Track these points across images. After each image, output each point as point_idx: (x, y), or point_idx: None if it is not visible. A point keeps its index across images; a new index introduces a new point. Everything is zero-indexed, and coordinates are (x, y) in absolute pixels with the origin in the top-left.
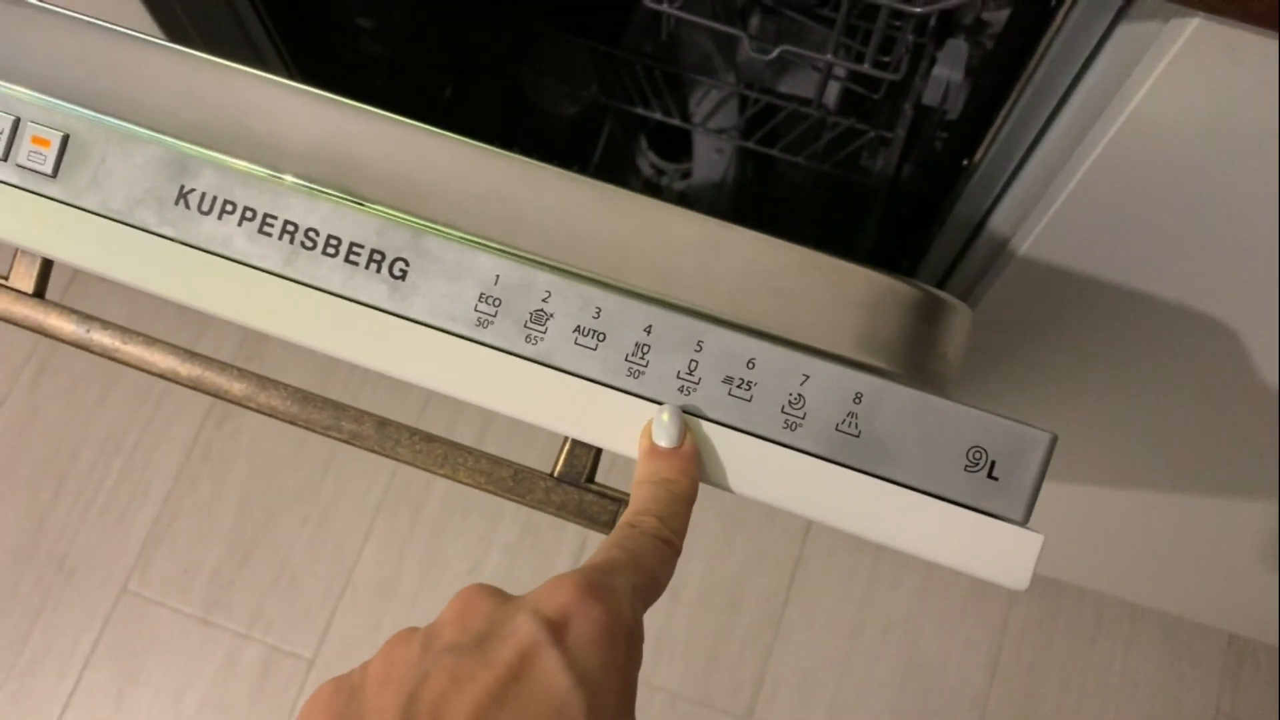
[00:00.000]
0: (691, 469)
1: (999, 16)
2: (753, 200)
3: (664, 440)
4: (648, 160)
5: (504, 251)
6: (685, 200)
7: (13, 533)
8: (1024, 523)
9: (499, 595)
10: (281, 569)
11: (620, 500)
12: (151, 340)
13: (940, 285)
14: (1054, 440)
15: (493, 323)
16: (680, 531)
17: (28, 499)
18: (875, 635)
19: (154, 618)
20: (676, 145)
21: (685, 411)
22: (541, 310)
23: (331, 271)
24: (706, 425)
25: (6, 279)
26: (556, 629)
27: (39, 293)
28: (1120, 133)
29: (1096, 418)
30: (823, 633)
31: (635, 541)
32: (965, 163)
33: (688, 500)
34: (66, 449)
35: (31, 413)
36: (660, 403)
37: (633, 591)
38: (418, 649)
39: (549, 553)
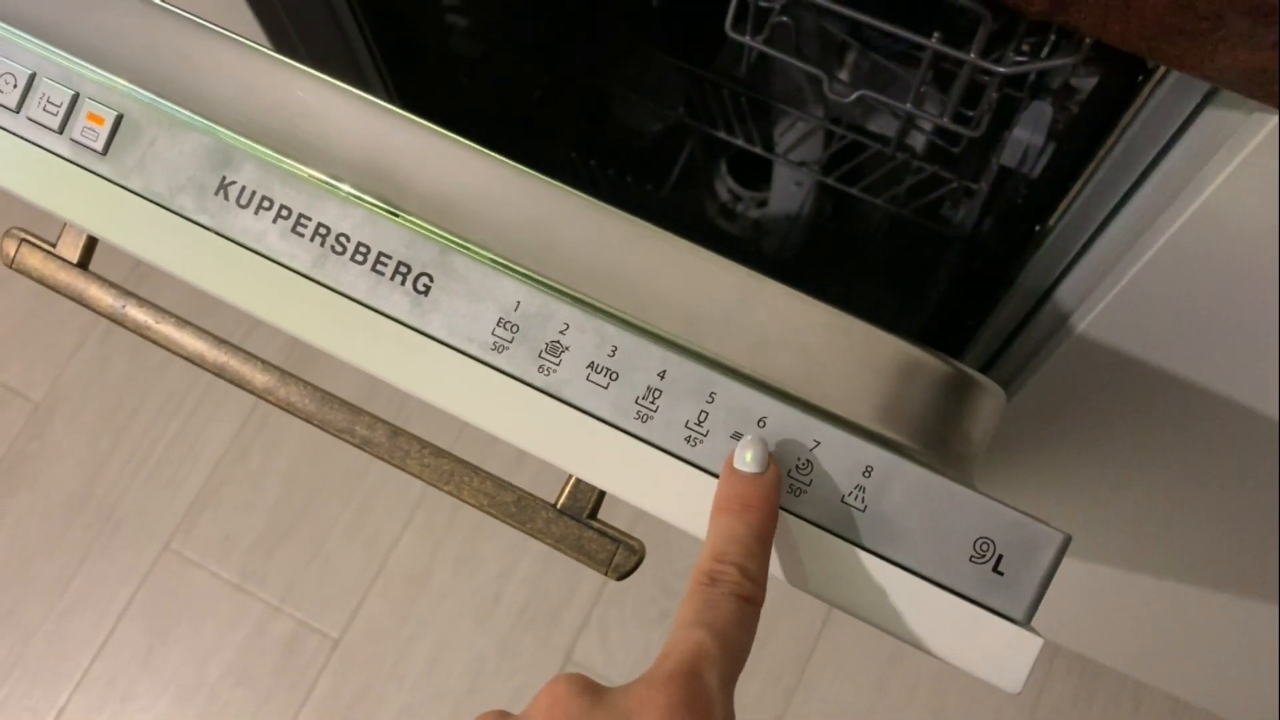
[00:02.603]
0: (774, 496)
1: (1089, 83)
2: (826, 237)
3: (746, 463)
4: (725, 185)
5: (528, 278)
6: (758, 229)
7: (68, 479)
8: (1025, 623)
9: (590, 694)
10: (319, 548)
11: (620, 541)
12: (183, 323)
13: (999, 354)
14: (1067, 540)
15: (508, 348)
16: (763, 581)
17: (86, 448)
18: (900, 694)
19: (191, 579)
20: (756, 173)
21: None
22: (558, 342)
23: (357, 278)
24: (703, 476)
25: (54, 246)
26: None
27: (83, 263)
28: (1190, 221)
29: (1144, 506)
30: (847, 684)
31: (721, 614)
32: (1038, 228)
33: (768, 537)
34: (128, 405)
35: (100, 365)
36: (664, 450)
37: (724, 691)
38: None
39: (579, 566)
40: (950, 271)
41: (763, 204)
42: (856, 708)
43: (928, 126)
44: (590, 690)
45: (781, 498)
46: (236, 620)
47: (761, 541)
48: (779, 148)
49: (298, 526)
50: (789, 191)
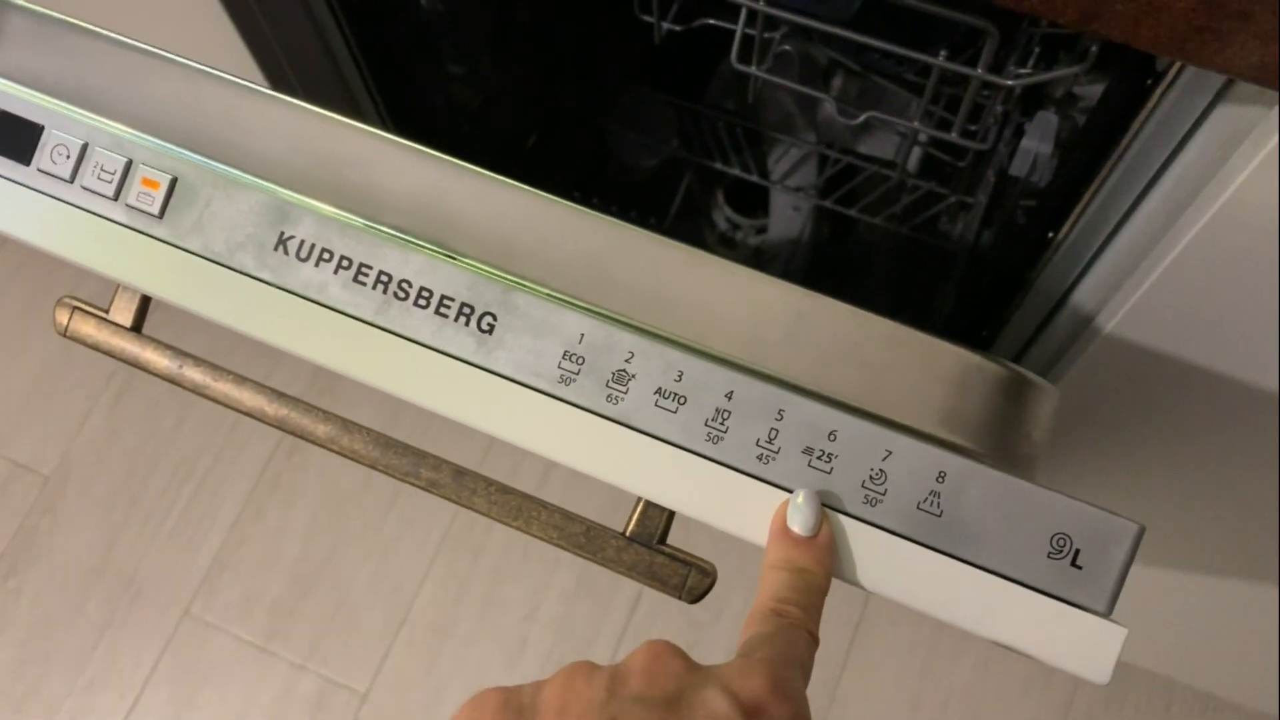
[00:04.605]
0: (828, 560)
1: (1092, 91)
2: (828, 259)
3: (799, 526)
4: (724, 215)
5: (590, 310)
6: (759, 256)
7: (85, 550)
8: (1107, 614)
9: (687, 659)
10: (341, 603)
11: (692, 565)
12: (241, 379)
13: (1020, 356)
14: (1142, 531)
15: (575, 381)
16: (818, 625)
17: (101, 518)
18: (933, 709)
19: (214, 643)
20: (753, 201)
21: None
22: (624, 370)
23: (422, 323)
24: (779, 494)
25: (107, 312)
26: (750, 716)
27: (136, 327)
28: (1217, 217)
29: (1177, 502)
30: (880, 703)
31: (792, 635)
32: (1051, 235)
33: (824, 593)
34: (141, 471)
35: (110, 434)
36: (738, 470)
37: (805, 693)
38: (601, 690)
39: (604, 603)
40: (957, 284)
41: (762, 230)
42: None
43: (928, 141)
44: (686, 655)
45: (860, 511)
46: (262, 681)
47: (817, 595)
48: (774, 174)
49: (318, 583)
50: (787, 217)
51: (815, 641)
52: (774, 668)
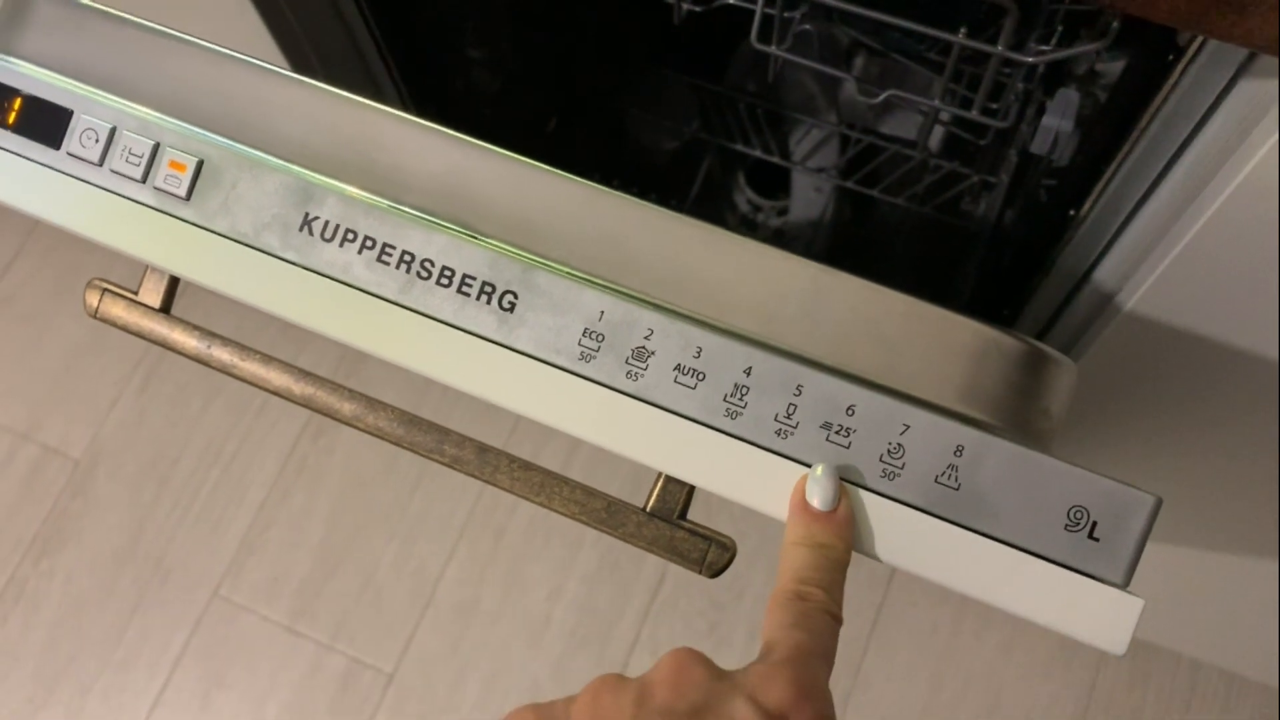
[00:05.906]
0: (847, 534)
1: (1113, 68)
2: (850, 240)
3: (819, 501)
4: (745, 196)
5: (610, 288)
6: (781, 238)
7: (115, 533)
8: (1124, 586)
9: (713, 667)
10: (367, 583)
11: (711, 539)
12: (268, 359)
13: (1042, 335)
14: (1158, 503)
15: (595, 357)
16: (841, 603)
17: (130, 501)
18: (955, 689)
19: (242, 623)
20: (774, 182)
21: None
22: (643, 347)
23: (444, 301)
24: (797, 468)
25: (136, 294)
26: None
27: (165, 308)
28: (1238, 193)
29: (1199, 479)
30: (902, 683)
31: (815, 622)
32: (1072, 213)
33: (844, 567)
34: (169, 454)
35: (138, 417)
36: (757, 444)
37: (827, 687)
38: (630, 704)
39: (628, 583)
40: (979, 264)
41: (783, 212)
42: (913, 705)
43: (950, 120)
44: (710, 663)
45: (878, 484)
46: (290, 661)
47: (838, 571)
48: (796, 155)
49: (344, 564)
50: (809, 198)
51: (839, 621)
52: (797, 670)
